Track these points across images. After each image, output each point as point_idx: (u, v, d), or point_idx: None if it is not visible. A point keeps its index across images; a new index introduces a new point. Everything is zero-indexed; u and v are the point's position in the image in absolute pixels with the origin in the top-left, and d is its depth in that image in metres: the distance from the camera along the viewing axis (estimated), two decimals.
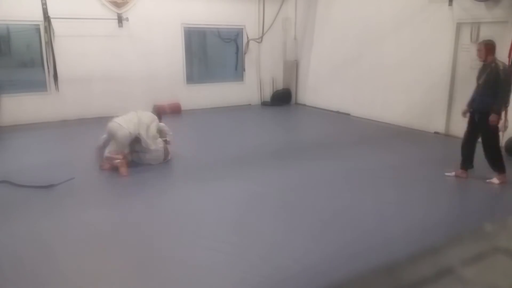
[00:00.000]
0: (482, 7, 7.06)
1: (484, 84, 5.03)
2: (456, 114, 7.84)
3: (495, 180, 5.16)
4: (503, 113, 6.59)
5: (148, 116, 6.25)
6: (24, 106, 8.92)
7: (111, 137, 5.87)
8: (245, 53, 11.50)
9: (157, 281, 3.19)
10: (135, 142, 5.93)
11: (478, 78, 5.18)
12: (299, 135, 8.86)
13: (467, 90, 7.63)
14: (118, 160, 5.62)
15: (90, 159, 6.12)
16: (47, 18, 8.71)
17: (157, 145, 6.01)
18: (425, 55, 8.16)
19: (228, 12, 10.91)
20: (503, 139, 6.61)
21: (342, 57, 10.28)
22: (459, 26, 7.55)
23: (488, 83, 4.99)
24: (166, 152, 6.14)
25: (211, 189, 5.18)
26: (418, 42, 8.29)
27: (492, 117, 4.96)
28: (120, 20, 9.53)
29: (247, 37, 11.40)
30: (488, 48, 5.03)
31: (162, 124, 6.45)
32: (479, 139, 5.32)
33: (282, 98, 11.92)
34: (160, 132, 6.31)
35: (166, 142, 6.27)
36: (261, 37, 11.60)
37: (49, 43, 8.85)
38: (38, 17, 8.69)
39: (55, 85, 9.08)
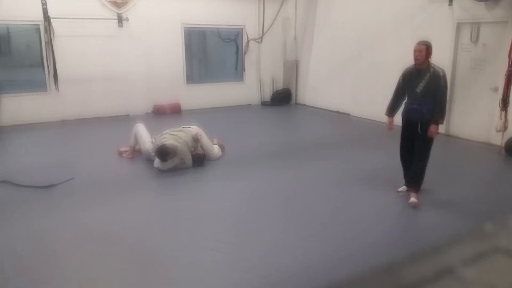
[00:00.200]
0: (482, 7, 7.06)
1: (423, 92, 4.51)
2: (456, 114, 7.85)
3: (414, 201, 4.60)
4: (502, 113, 6.63)
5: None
6: (24, 106, 8.92)
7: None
8: (245, 53, 11.50)
9: (157, 281, 3.19)
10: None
11: (413, 85, 4.59)
12: (299, 135, 8.86)
13: (467, 90, 7.68)
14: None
15: (90, 159, 6.12)
16: (47, 18, 8.71)
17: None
18: None
19: (228, 12, 10.91)
20: (503, 139, 6.63)
21: (342, 57, 10.28)
22: (459, 26, 7.56)
23: (429, 91, 4.50)
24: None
25: (211, 189, 5.18)
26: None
27: (433, 128, 4.48)
28: (120, 20, 9.53)
29: (247, 37, 11.40)
30: (429, 50, 4.51)
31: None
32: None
33: (282, 98, 11.92)
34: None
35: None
36: (261, 37, 11.60)
37: (49, 43, 8.85)
38: (38, 17, 8.68)
39: (55, 85, 9.07)
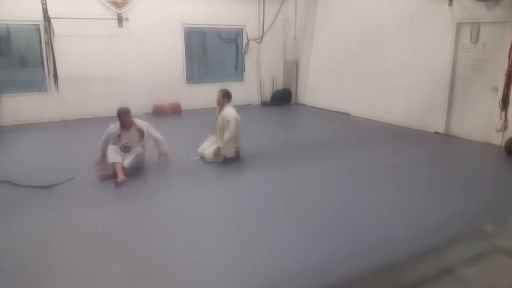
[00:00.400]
0: (482, 7, 7.06)
1: None
2: (456, 114, 7.85)
3: None
4: (502, 113, 6.63)
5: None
6: (24, 106, 8.93)
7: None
8: (245, 53, 11.50)
9: (157, 281, 3.19)
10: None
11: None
12: (299, 135, 8.86)
13: (467, 90, 7.68)
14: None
15: (90, 159, 6.12)
16: (47, 18, 8.71)
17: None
18: (425, 55, 8.16)
19: (228, 12, 10.91)
20: (503, 139, 6.63)
21: (342, 57, 10.28)
22: (459, 26, 7.55)
23: None
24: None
25: (211, 188, 5.18)
26: (418, 42, 8.29)
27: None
28: (120, 20, 9.54)
29: (247, 37, 11.40)
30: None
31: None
32: None
33: (282, 98, 11.92)
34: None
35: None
36: (261, 37, 11.60)
37: (49, 43, 8.85)
38: (38, 17, 8.69)
39: (55, 85, 9.08)
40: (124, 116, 5.95)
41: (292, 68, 12.02)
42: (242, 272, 3.28)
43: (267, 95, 12.05)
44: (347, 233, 4.00)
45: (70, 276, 3.29)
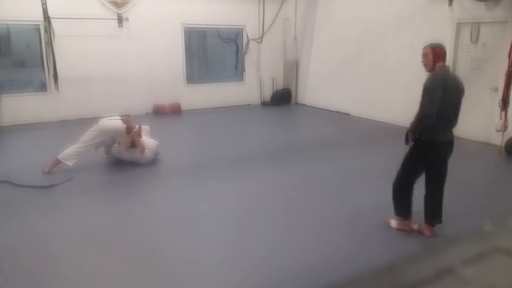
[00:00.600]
0: (482, 7, 7.06)
1: (459, 103, 3.87)
2: None
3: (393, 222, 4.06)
4: (502, 113, 6.63)
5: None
6: (24, 106, 8.93)
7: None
8: (245, 53, 11.50)
9: (157, 281, 3.19)
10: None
11: (454, 92, 3.82)
12: (299, 135, 8.86)
13: (467, 90, 7.63)
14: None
15: (90, 159, 6.12)
16: (47, 18, 8.71)
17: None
18: None
19: (228, 12, 10.91)
20: (503, 139, 6.63)
21: (342, 57, 10.28)
22: (459, 26, 7.56)
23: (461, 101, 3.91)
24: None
25: (211, 189, 5.18)
26: (418, 42, 8.27)
27: (409, 135, 4.00)
28: (120, 20, 9.54)
29: (247, 37, 11.40)
30: (436, 53, 3.92)
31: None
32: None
33: (282, 98, 11.92)
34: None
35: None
36: (261, 37, 11.60)
37: (49, 43, 8.85)
38: (38, 17, 8.69)
39: (55, 85, 9.08)
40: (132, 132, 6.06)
41: (292, 68, 12.02)
42: (242, 272, 3.28)
43: (267, 95, 12.06)
44: (347, 233, 4.00)
45: (70, 276, 3.30)
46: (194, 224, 4.16)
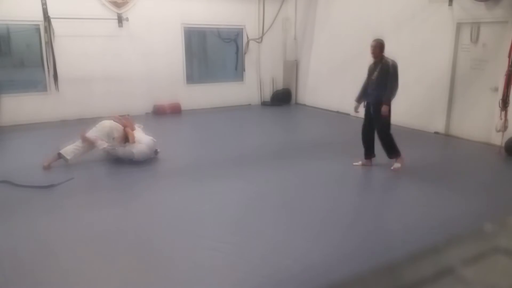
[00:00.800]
0: (482, 7, 7.06)
1: (377, 79, 5.57)
2: (456, 114, 7.85)
3: (397, 165, 5.66)
4: (502, 113, 6.63)
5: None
6: (24, 106, 8.93)
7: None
8: (245, 53, 11.50)
9: (157, 281, 3.19)
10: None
11: (371, 74, 5.72)
12: (299, 135, 8.86)
13: (467, 90, 7.68)
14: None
15: (90, 159, 6.12)
16: (47, 18, 8.71)
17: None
18: (425, 55, 8.16)
19: (228, 12, 10.91)
20: (503, 139, 6.63)
21: (342, 57, 10.27)
22: (459, 26, 7.56)
23: (381, 77, 5.54)
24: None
25: (211, 189, 5.18)
26: (418, 42, 8.29)
27: (384, 108, 5.50)
28: (120, 20, 9.54)
29: (247, 37, 11.40)
30: (381, 46, 5.70)
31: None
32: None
33: (282, 98, 11.92)
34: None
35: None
36: (261, 37, 11.60)
37: (49, 43, 8.85)
38: (38, 17, 8.69)
39: (55, 85, 9.08)
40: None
41: (292, 68, 12.02)
42: (242, 272, 3.28)
43: (267, 95, 12.06)
44: (347, 232, 4.00)
45: (70, 276, 3.29)
46: (194, 224, 4.16)
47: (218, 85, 11.32)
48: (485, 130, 7.20)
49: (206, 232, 3.99)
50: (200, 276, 3.27)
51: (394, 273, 0.64)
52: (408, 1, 8.42)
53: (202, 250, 3.63)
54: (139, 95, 10.03)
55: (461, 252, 0.68)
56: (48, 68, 9.02)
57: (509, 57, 6.48)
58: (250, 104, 11.75)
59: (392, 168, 5.66)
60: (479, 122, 7.35)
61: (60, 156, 5.90)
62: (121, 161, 6.08)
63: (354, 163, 5.95)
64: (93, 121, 6.30)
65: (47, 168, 5.76)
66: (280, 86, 12.19)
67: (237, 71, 11.72)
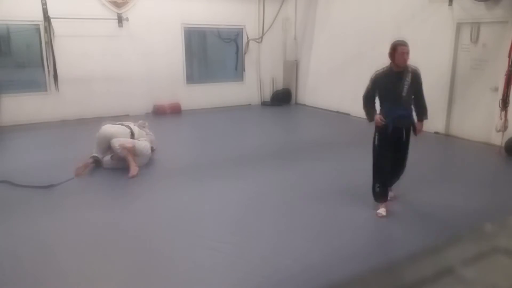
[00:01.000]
0: (482, 7, 7.06)
1: (410, 93, 4.28)
2: (456, 114, 7.85)
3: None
4: (502, 113, 6.63)
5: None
6: (24, 106, 8.93)
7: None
8: (245, 53, 11.50)
9: (157, 281, 3.19)
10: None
11: (395, 88, 4.25)
12: (299, 135, 8.86)
13: (467, 90, 7.68)
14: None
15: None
16: (47, 18, 8.71)
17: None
18: (425, 55, 8.14)
19: (228, 12, 10.91)
20: (503, 139, 6.63)
21: (342, 57, 10.27)
22: (459, 26, 7.55)
23: (414, 91, 4.33)
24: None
25: (211, 189, 5.18)
26: (418, 42, 8.27)
27: (420, 127, 4.40)
28: (120, 20, 9.54)
29: (247, 37, 11.40)
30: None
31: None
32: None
33: (282, 98, 11.92)
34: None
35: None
36: (261, 37, 11.60)
37: (49, 43, 8.85)
38: (38, 17, 8.69)
39: (55, 85, 9.08)
40: None
41: (292, 68, 12.02)
42: (242, 272, 3.28)
43: (267, 95, 12.05)
44: (347, 232, 4.00)
45: (70, 276, 3.30)
46: (194, 224, 4.16)
47: (218, 85, 11.32)
48: (485, 130, 7.20)
49: (206, 232, 3.99)
50: (200, 276, 3.27)
51: (394, 273, 0.64)
52: (408, 1, 8.42)
53: (202, 250, 3.62)
54: (139, 95, 10.02)
55: (461, 252, 0.68)
56: (48, 68, 9.01)
57: (509, 57, 6.48)
58: (250, 104, 11.75)
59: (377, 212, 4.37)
60: (479, 122, 7.35)
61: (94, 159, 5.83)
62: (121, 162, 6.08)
63: (378, 214, 4.32)
64: (93, 121, 6.30)
65: (80, 174, 5.62)
66: (280, 86, 12.19)
67: (237, 71, 11.72)
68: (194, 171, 5.91)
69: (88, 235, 3.93)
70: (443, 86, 7.86)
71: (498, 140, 6.76)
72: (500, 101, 6.64)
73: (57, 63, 8.98)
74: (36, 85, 9.22)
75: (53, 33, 8.85)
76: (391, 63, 4.37)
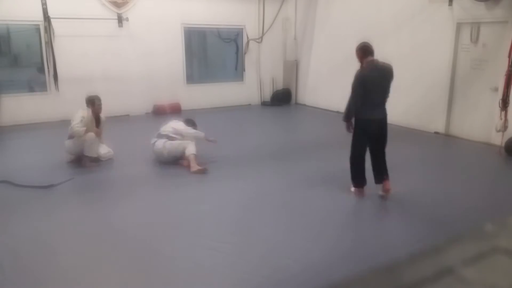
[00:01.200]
0: (482, 7, 7.06)
1: (387, 87, 4.78)
2: (456, 114, 7.85)
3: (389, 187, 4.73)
4: (502, 113, 6.63)
5: None
6: (24, 106, 8.93)
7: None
8: (245, 53, 11.50)
9: (157, 281, 3.19)
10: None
11: (380, 82, 4.73)
12: (299, 135, 8.86)
13: (467, 90, 7.68)
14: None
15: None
16: (47, 18, 8.71)
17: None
18: (425, 55, 8.16)
19: (228, 12, 10.91)
20: (503, 139, 6.63)
21: (342, 57, 10.26)
22: (459, 26, 7.56)
23: (388, 84, 4.79)
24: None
25: (211, 189, 5.18)
26: (418, 42, 8.29)
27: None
28: (120, 20, 9.54)
29: (247, 37, 11.40)
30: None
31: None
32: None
33: (282, 98, 11.92)
34: None
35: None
36: (261, 37, 11.60)
37: (49, 43, 8.85)
38: (38, 17, 8.69)
39: (55, 85, 9.08)
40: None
41: (292, 68, 12.02)
42: (242, 272, 3.28)
43: (267, 95, 12.05)
44: (347, 232, 4.00)
45: (70, 276, 3.30)
46: (194, 224, 4.16)
47: (218, 85, 11.32)
48: (485, 130, 7.20)
49: (206, 232, 3.99)
50: (200, 276, 3.27)
51: (394, 273, 0.64)
52: (408, 1, 8.42)
53: (202, 250, 3.62)
54: (139, 95, 10.02)
55: (461, 252, 0.68)
56: (48, 68, 9.01)
57: (509, 57, 6.48)
58: (250, 104, 11.75)
59: (384, 192, 4.77)
60: (479, 122, 7.35)
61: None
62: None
63: (352, 189, 4.89)
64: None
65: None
66: (280, 86, 12.19)
67: (237, 71, 11.72)
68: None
69: (88, 235, 3.93)
70: (443, 86, 7.86)
71: (498, 140, 6.76)
72: (500, 101, 6.64)
73: (57, 63, 8.98)
74: (36, 85, 9.22)
75: (53, 33, 8.85)
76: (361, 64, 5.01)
